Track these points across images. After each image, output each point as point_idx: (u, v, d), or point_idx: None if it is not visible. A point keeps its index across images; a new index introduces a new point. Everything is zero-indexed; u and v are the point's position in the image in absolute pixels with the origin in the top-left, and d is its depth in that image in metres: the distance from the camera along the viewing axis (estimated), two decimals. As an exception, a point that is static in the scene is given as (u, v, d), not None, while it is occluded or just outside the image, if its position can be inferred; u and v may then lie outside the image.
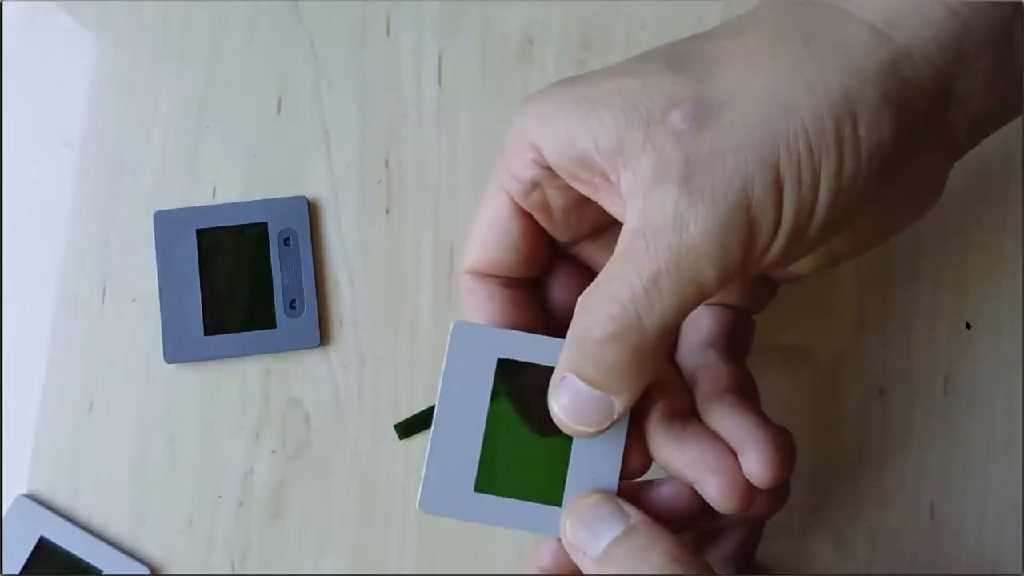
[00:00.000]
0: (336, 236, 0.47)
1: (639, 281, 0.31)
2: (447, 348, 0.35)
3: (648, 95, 0.32)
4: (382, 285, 0.47)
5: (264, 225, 0.47)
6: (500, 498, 0.35)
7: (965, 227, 0.48)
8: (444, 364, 0.35)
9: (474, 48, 0.48)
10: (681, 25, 0.48)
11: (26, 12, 0.47)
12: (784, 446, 0.34)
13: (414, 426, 0.47)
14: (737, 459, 0.34)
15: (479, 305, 0.37)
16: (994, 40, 0.32)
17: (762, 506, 0.36)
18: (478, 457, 0.35)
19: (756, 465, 0.34)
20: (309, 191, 0.47)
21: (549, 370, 0.34)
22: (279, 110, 0.48)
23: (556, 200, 0.36)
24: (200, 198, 0.47)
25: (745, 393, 0.36)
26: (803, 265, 0.37)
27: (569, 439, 0.35)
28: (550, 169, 0.34)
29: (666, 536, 0.33)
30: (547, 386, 0.34)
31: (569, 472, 0.35)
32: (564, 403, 0.33)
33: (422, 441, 0.47)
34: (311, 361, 0.47)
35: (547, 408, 0.34)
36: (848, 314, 0.48)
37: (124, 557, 0.46)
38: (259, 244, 0.47)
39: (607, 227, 0.37)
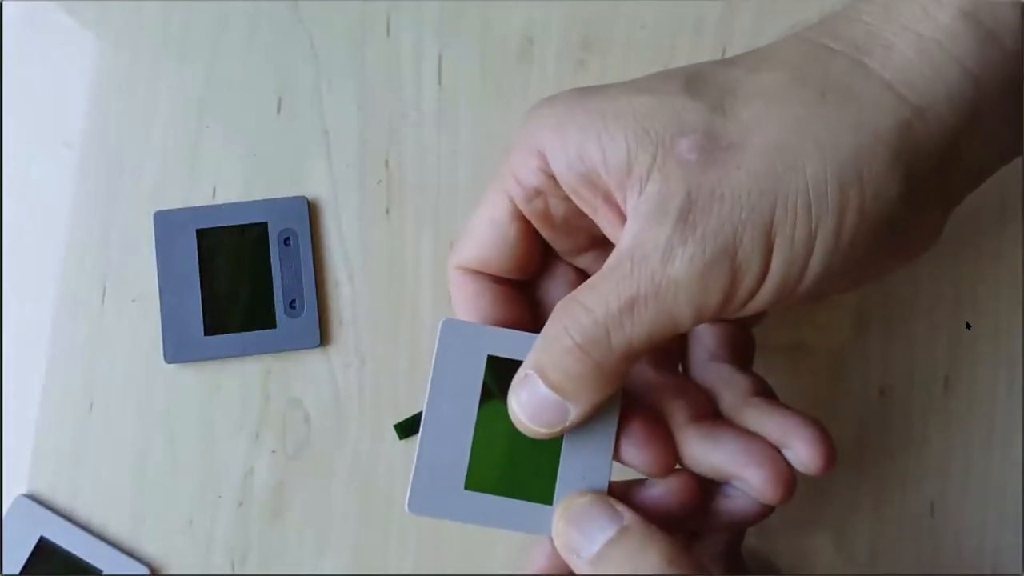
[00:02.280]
0: (336, 236, 0.47)
1: (616, 301, 0.31)
2: (436, 346, 0.35)
3: (660, 117, 0.32)
4: (382, 285, 0.47)
5: (264, 225, 0.47)
6: (491, 497, 0.35)
7: (964, 227, 0.48)
8: (433, 362, 0.35)
9: (474, 48, 0.48)
10: (681, 25, 0.48)
11: (26, 12, 0.47)
12: (828, 436, 0.35)
13: (414, 426, 0.47)
14: (779, 452, 0.35)
15: (467, 300, 0.37)
16: (1003, 98, 0.32)
17: (756, 510, 0.36)
18: (468, 455, 0.35)
19: (807, 453, 0.34)
20: (309, 191, 0.47)
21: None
22: (279, 110, 0.48)
23: (557, 210, 0.36)
24: (200, 198, 0.47)
25: (768, 396, 0.37)
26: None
27: (560, 437, 0.35)
28: (555, 178, 0.34)
29: (660, 536, 0.33)
30: None
31: (560, 471, 0.35)
32: (522, 399, 0.34)
33: (422, 441, 0.47)
34: (311, 361, 0.47)
35: None
36: (848, 314, 0.48)
37: (124, 557, 0.46)
38: (259, 244, 0.47)
39: (605, 241, 0.37)
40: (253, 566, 0.46)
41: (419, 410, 0.47)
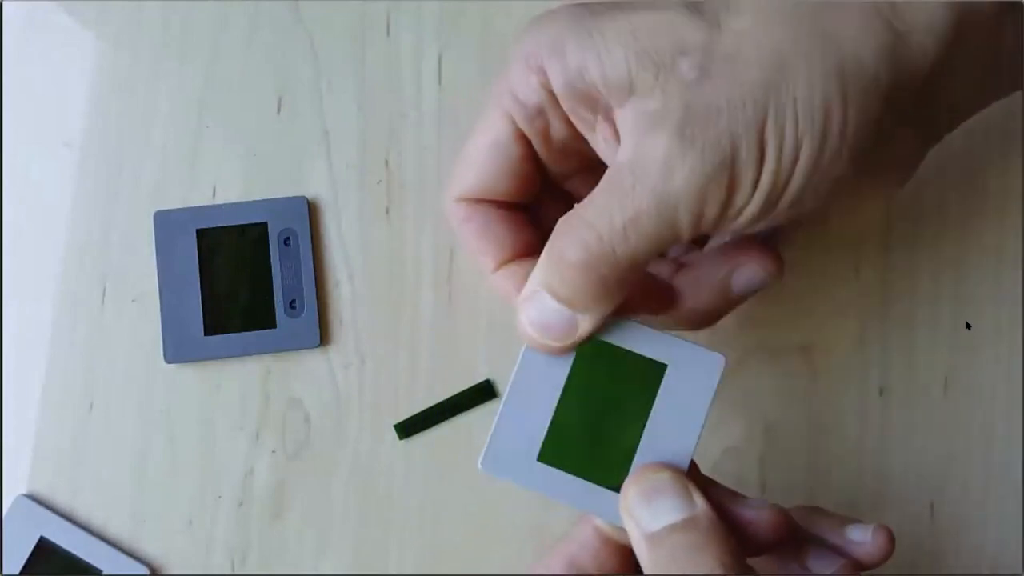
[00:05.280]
0: (336, 236, 0.47)
1: (619, 217, 0.32)
2: None
3: (660, 36, 0.32)
4: (382, 285, 0.47)
5: (264, 225, 0.47)
6: (561, 472, 0.35)
7: (965, 227, 0.48)
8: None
9: (474, 48, 0.48)
10: (681, 25, 0.48)
11: (26, 12, 0.47)
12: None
13: (414, 426, 0.47)
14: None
15: (477, 231, 0.38)
16: (982, 33, 0.33)
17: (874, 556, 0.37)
18: (547, 428, 0.35)
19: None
20: (309, 191, 0.47)
21: (640, 359, 0.35)
22: (279, 110, 0.48)
23: (557, 131, 0.36)
24: (200, 198, 0.47)
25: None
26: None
27: (642, 426, 0.35)
28: (556, 96, 0.35)
29: (724, 538, 0.33)
30: (630, 372, 0.35)
31: (636, 459, 0.35)
32: (532, 315, 0.34)
33: (422, 441, 0.47)
34: (311, 361, 0.47)
35: (623, 395, 0.35)
36: (848, 314, 0.48)
37: (124, 557, 0.46)
38: (259, 244, 0.47)
39: (594, 165, 0.37)
40: (253, 566, 0.46)
41: (419, 410, 0.47)
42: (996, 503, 0.47)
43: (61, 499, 0.46)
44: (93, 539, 0.46)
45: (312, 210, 0.47)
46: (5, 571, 0.45)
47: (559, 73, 0.34)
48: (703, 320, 0.38)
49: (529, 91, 0.35)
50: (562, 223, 0.34)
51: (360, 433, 0.47)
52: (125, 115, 0.47)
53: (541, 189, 0.39)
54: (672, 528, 0.33)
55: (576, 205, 0.33)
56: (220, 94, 0.48)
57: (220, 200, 0.47)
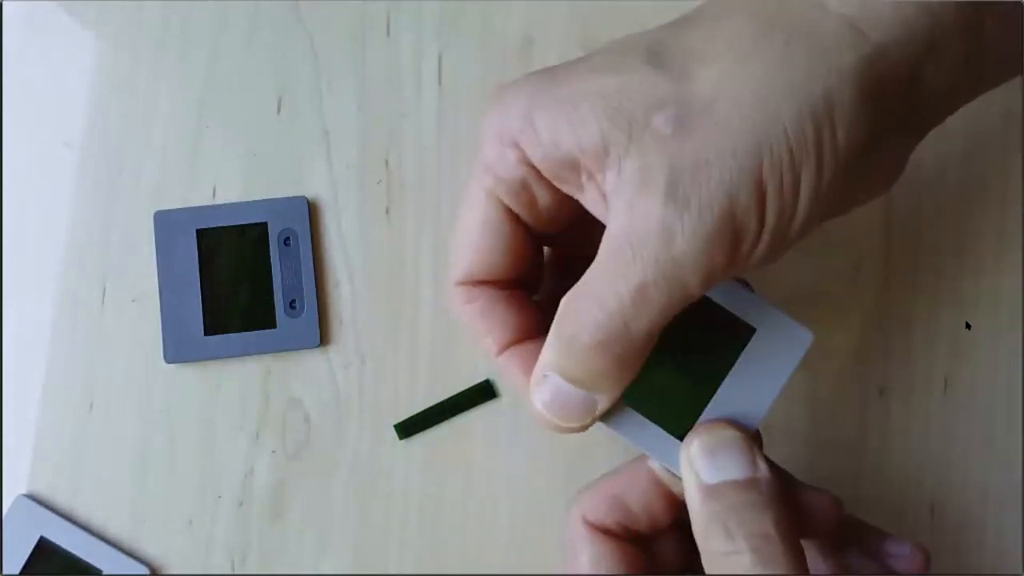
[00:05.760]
0: (336, 236, 0.47)
1: (626, 290, 0.31)
2: None
3: (629, 96, 0.32)
4: (382, 285, 0.47)
5: (264, 225, 0.47)
6: (631, 411, 0.35)
7: (965, 227, 0.48)
8: None
9: (474, 48, 0.48)
10: (681, 25, 0.48)
11: (26, 12, 0.47)
12: None
13: (414, 426, 0.47)
14: None
15: (480, 313, 0.37)
16: (963, 29, 0.32)
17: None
18: None
19: None
20: (309, 191, 0.47)
21: (732, 317, 0.35)
22: (279, 110, 0.48)
23: (544, 198, 0.35)
24: (200, 198, 0.47)
25: None
26: None
27: (719, 383, 0.35)
28: (536, 168, 0.34)
29: (782, 506, 0.33)
30: (719, 329, 0.35)
31: (708, 407, 0.35)
32: (547, 400, 0.34)
33: (422, 441, 0.47)
34: (311, 361, 0.47)
35: (707, 349, 0.35)
36: (848, 314, 0.48)
37: (124, 557, 0.46)
38: (259, 244, 0.47)
39: (584, 218, 0.37)
40: (253, 566, 0.46)
41: (419, 409, 0.47)
42: (996, 503, 0.47)
43: (61, 499, 0.46)
44: (93, 539, 0.46)
45: (312, 210, 0.47)
46: (5, 571, 0.45)
47: (535, 146, 0.33)
48: None
49: (509, 167, 0.34)
50: (565, 303, 0.33)
51: (360, 433, 0.47)
52: (125, 115, 0.47)
53: (538, 262, 0.38)
54: (732, 484, 0.33)
55: (578, 284, 0.33)
56: (220, 94, 0.48)
57: (220, 200, 0.47)
